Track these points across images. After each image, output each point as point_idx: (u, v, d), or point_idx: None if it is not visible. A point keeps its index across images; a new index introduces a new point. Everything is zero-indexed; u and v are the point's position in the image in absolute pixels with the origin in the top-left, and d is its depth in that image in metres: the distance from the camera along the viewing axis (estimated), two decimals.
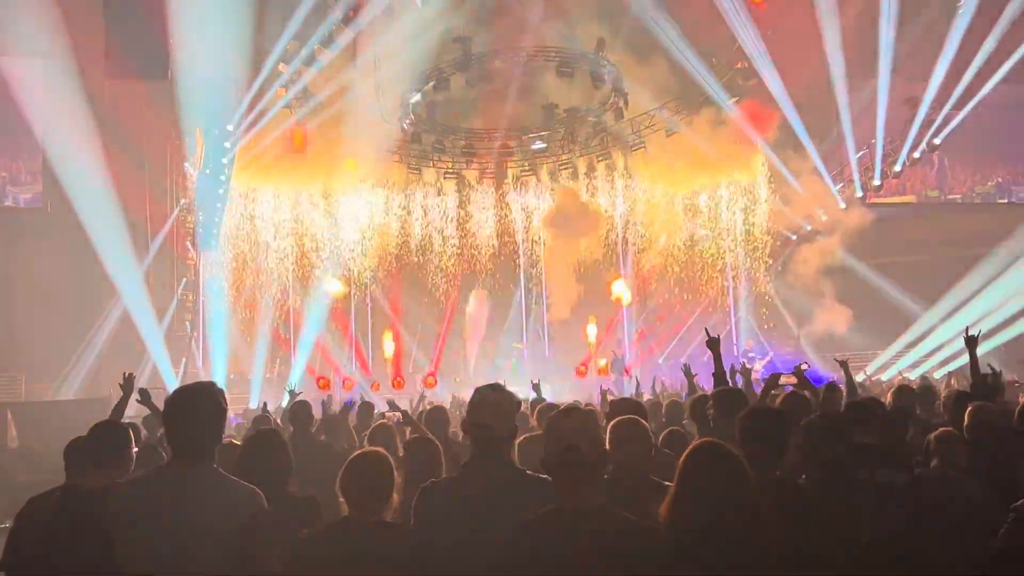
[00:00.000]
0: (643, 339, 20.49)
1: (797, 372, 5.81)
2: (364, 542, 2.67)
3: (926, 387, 7.72)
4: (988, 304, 16.06)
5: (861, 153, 18.44)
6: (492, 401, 2.75)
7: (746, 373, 6.69)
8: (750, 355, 17.35)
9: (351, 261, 19.51)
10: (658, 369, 17.89)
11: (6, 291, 16.35)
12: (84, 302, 16.66)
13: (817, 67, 16.82)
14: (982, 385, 5.15)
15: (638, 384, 11.99)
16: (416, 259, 20.00)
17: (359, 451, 3.12)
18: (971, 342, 5.63)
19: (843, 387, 6.42)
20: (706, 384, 8.23)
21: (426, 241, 20.10)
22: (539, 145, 19.15)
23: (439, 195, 20.04)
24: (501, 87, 17.65)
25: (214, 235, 17.24)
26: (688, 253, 20.55)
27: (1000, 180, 21.80)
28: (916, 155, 18.08)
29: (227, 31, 13.48)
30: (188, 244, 17.82)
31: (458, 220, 20.28)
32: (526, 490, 2.64)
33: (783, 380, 5.75)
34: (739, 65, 16.67)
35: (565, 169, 19.38)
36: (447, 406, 8.13)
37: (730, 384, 5.63)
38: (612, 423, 3.27)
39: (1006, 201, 21.81)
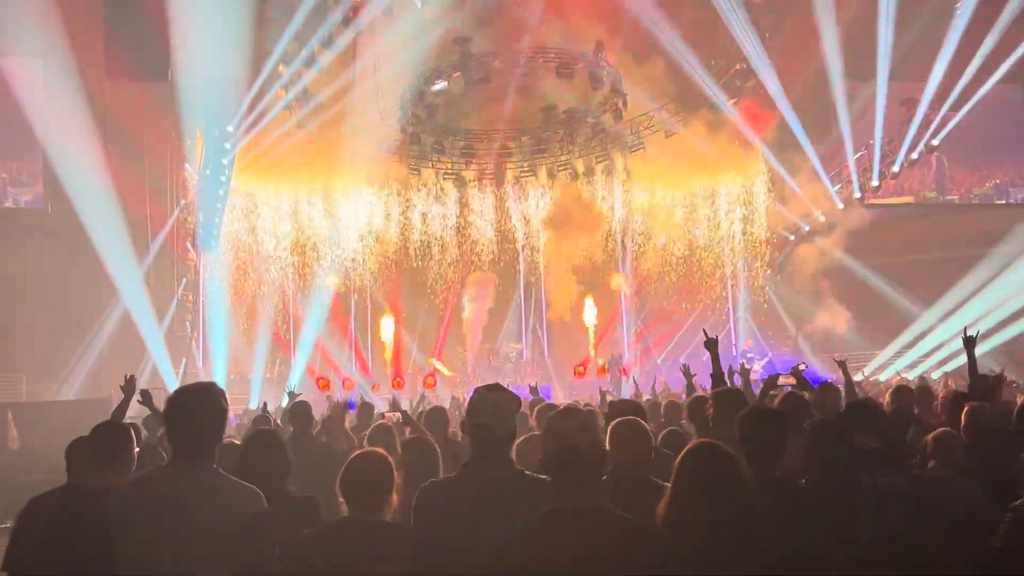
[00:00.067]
0: (642, 339, 20.52)
1: (795, 372, 5.81)
2: (364, 542, 2.67)
3: (924, 387, 7.75)
4: (986, 305, 16.10)
5: (859, 154, 18.45)
6: (492, 401, 2.76)
7: (745, 373, 6.70)
8: (749, 355, 17.39)
9: (351, 262, 19.52)
10: (657, 369, 17.93)
11: (7, 292, 16.36)
12: (85, 303, 16.67)
13: (815, 68, 16.86)
14: (980, 386, 5.16)
15: (637, 386, 11.99)
16: (416, 264, 20.00)
17: (359, 451, 3.12)
18: (969, 343, 5.64)
19: (841, 387, 6.45)
20: (705, 385, 8.25)
21: (425, 245, 20.07)
22: (538, 146, 19.19)
23: (440, 194, 20.03)
24: (500, 88, 17.68)
25: (214, 236, 17.26)
26: (687, 254, 20.59)
27: (998, 181, 21.82)
28: (914, 156, 18.10)
29: (227, 32, 13.49)
30: (188, 245, 17.82)
31: (457, 227, 20.26)
32: (525, 490, 2.65)
33: (782, 381, 5.77)
34: (738, 66, 16.70)
35: (564, 170, 19.42)
36: (447, 406, 8.16)
37: (728, 385, 5.65)
38: (613, 424, 3.28)
39: (1004, 202, 21.83)
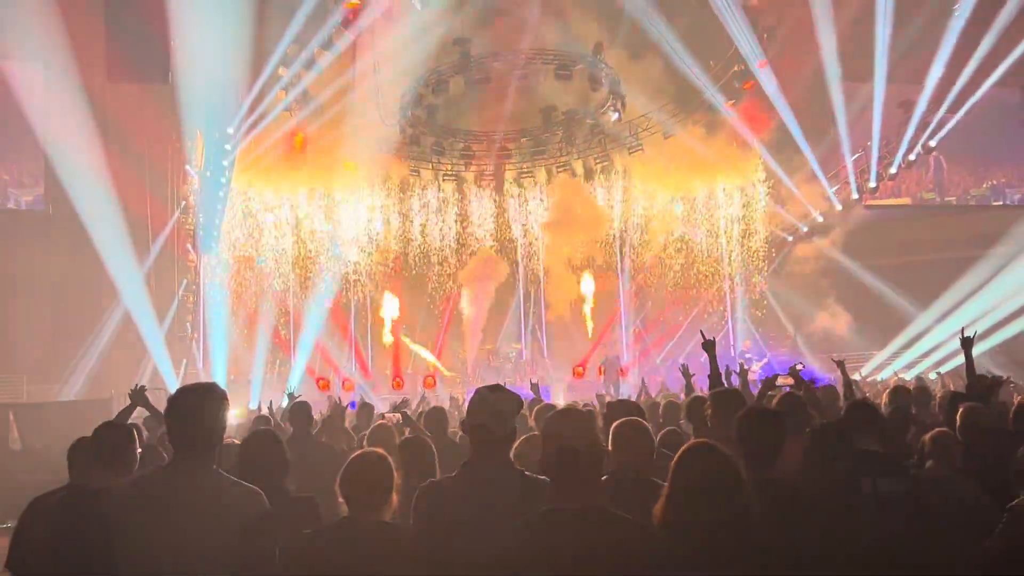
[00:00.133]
0: (640, 340, 20.55)
1: (793, 372, 5.83)
2: (364, 542, 2.68)
3: (922, 388, 7.79)
4: (983, 305, 16.13)
5: (857, 155, 18.47)
6: (492, 402, 2.77)
7: (743, 373, 6.71)
8: (747, 356, 17.42)
9: (350, 263, 19.54)
10: (655, 370, 17.96)
11: (8, 292, 16.40)
12: (85, 303, 16.70)
13: (813, 70, 16.91)
14: (978, 386, 5.17)
15: (645, 386, 11.96)
16: (415, 269, 20.02)
17: (359, 451, 3.11)
18: (967, 343, 5.64)
19: (839, 387, 6.48)
20: (702, 385, 8.26)
21: (425, 247, 20.09)
22: (537, 147, 19.24)
23: (441, 205, 20.05)
24: (499, 89, 17.73)
25: (214, 237, 17.28)
26: (686, 254, 20.63)
27: (995, 182, 21.87)
28: (911, 157, 18.12)
29: (227, 34, 13.50)
30: (189, 246, 17.85)
31: (456, 234, 20.27)
32: (525, 491, 2.66)
33: (780, 381, 5.78)
34: (736, 68, 16.75)
35: (563, 171, 19.47)
36: (446, 406, 8.20)
37: (726, 385, 5.66)
38: (615, 424, 3.28)
39: (1001, 203, 21.89)
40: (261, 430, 4.07)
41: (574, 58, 17.30)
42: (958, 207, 21.60)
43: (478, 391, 2.85)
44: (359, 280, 19.53)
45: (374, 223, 19.63)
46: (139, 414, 5.70)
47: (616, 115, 17.75)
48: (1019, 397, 6.42)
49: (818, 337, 18.98)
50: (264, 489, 2.74)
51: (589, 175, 19.61)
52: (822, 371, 15.59)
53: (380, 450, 3.01)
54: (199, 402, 2.70)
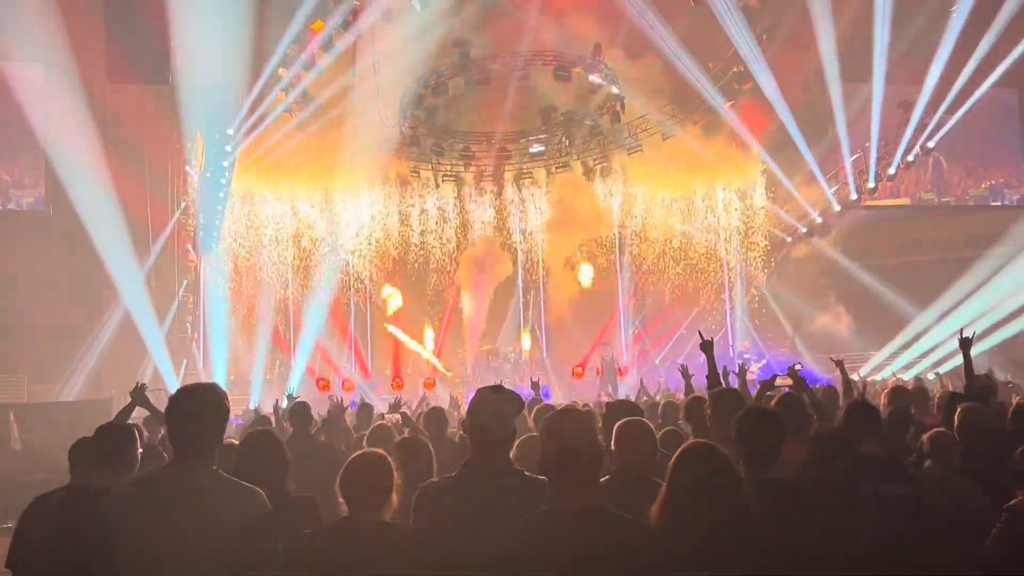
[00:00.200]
0: (640, 341, 20.56)
1: (791, 373, 5.84)
2: (364, 542, 2.68)
3: (920, 388, 7.81)
4: (982, 306, 16.16)
5: (856, 156, 18.48)
6: (493, 402, 2.78)
7: (742, 373, 6.72)
8: (746, 356, 17.42)
9: (350, 263, 19.55)
10: (654, 370, 17.97)
11: (9, 293, 16.42)
12: (86, 304, 16.72)
13: (813, 70, 16.93)
14: (976, 386, 5.20)
15: (642, 386, 11.98)
16: (415, 270, 20.03)
17: (359, 452, 3.11)
18: (965, 344, 5.67)
19: (838, 387, 6.49)
20: (702, 386, 8.25)
21: (425, 255, 20.10)
22: (537, 148, 19.25)
23: (438, 197, 20.07)
24: (499, 90, 17.76)
25: (215, 237, 17.30)
26: (685, 255, 20.64)
27: (993, 183, 21.90)
28: (910, 158, 18.13)
29: (227, 34, 13.52)
30: (189, 246, 17.86)
31: (454, 238, 20.29)
32: (524, 491, 2.67)
33: (779, 382, 5.78)
34: (735, 69, 16.77)
35: (562, 171, 19.49)
36: (446, 407, 8.22)
37: (723, 386, 5.67)
38: (619, 424, 3.29)
39: (999, 204, 21.92)
40: (261, 430, 4.07)
41: (573, 59, 17.32)
42: (957, 207, 21.62)
43: (479, 391, 2.86)
44: (359, 280, 19.54)
45: (374, 225, 19.63)
46: (139, 414, 5.71)
47: (615, 116, 17.78)
48: (1017, 397, 6.44)
49: (817, 337, 19.00)
50: (264, 489, 2.74)
51: (588, 176, 19.63)
52: (821, 372, 15.62)
53: (380, 450, 3.01)
54: (199, 402, 2.70)
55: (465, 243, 20.19)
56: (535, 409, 5.52)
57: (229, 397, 2.82)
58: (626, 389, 16.18)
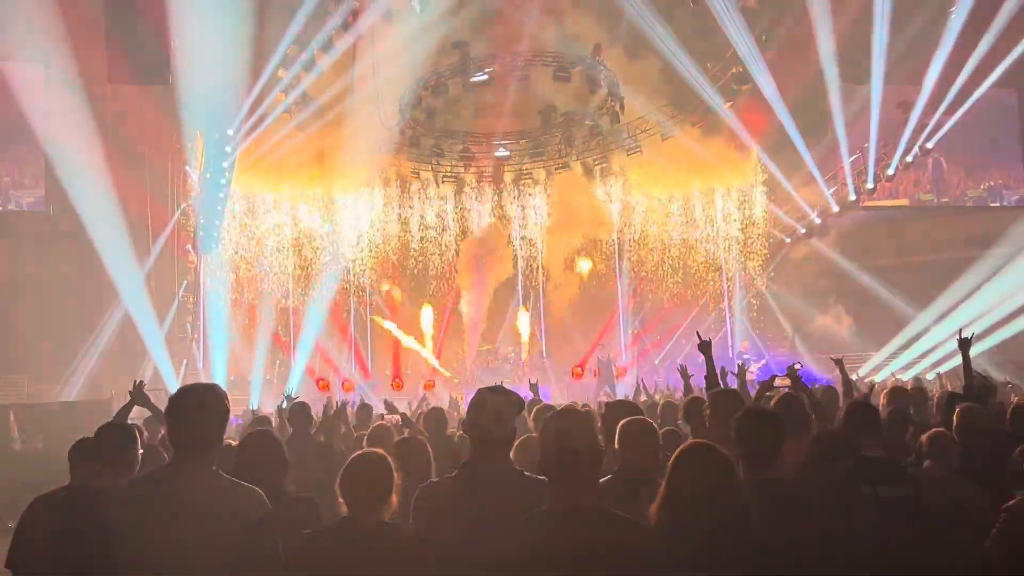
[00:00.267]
0: (639, 341, 20.56)
1: (791, 373, 5.85)
2: (364, 542, 2.69)
3: (919, 388, 7.82)
4: (981, 306, 16.16)
5: (854, 156, 18.48)
6: (493, 403, 2.79)
7: (741, 373, 6.73)
8: (745, 356, 17.43)
9: (351, 264, 19.56)
10: (654, 371, 17.98)
11: (9, 294, 16.41)
12: (86, 304, 16.71)
13: (811, 71, 16.94)
14: (975, 386, 5.21)
15: (641, 386, 11.99)
16: (415, 271, 20.03)
17: (359, 452, 3.11)
18: (964, 344, 5.67)
19: (838, 387, 6.49)
20: (701, 386, 8.25)
21: (424, 261, 20.10)
22: (536, 149, 19.28)
23: (438, 199, 20.07)
24: (499, 91, 17.76)
25: (215, 238, 17.31)
26: (684, 255, 20.64)
27: (992, 184, 21.90)
28: (909, 159, 18.14)
29: (227, 35, 13.52)
30: (189, 247, 17.87)
31: (453, 245, 20.30)
32: (523, 491, 2.67)
33: (778, 382, 5.79)
34: (734, 70, 16.79)
35: (562, 171, 19.49)
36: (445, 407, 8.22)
37: (722, 386, 5.68)
38: (622, 423, 3.31)
39: (998, 204, 21.92)
40: (260, 430, 4.08)
41: (572, 60, 17.33)
42: (955, 208, 21.62)
43: (479, 392, 2.86)
44: (359, 281, 19.55)
45: (374, 226, 19.62)
46: (140, 414, 5.71)
47: (615, 117, 17.79)
48: (1016, 398, 6.45)
49: (816, 338, 19.02)
50: (264, 489, 2.75)
51: (588, 177, 19.64)
52: (820, 372, 15.63)
53: (380, 450, 3.02)
54: (199, 402, 2.71)
55: (465, 240, 20.19)
56: (535, 409, 5.53)
57: (229, 397, 2.82)
58: (624, 389, 16.19)
